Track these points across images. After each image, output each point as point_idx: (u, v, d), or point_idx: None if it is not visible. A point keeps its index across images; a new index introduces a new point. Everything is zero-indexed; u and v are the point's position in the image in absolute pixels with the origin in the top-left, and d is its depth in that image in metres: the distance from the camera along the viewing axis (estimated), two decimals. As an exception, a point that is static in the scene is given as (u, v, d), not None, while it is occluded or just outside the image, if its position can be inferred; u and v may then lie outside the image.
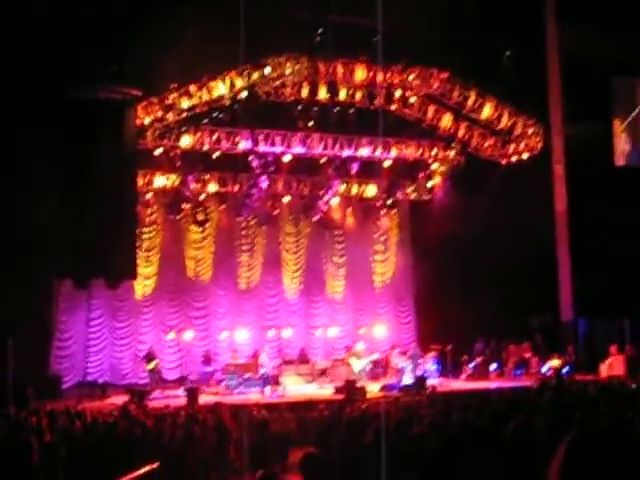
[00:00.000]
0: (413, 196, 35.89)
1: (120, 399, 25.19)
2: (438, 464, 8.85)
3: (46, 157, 23.84)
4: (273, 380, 28.21)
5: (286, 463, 14.25)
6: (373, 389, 27.61)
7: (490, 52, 30.92)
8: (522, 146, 31.95)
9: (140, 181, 29.71)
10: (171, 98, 27.68)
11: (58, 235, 23.93)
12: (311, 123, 30.12)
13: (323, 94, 29.52)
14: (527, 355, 31.74)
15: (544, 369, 29.99)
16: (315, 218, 33.74)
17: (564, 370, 28.83)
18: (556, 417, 9.90)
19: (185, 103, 27.88)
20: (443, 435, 9.77)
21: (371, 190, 34.96)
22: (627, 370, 28.92)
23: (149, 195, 31.51)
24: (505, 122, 31.38)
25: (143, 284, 31.87)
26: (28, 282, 24.92)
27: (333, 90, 29.59)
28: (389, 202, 34.58)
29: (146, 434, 14.00)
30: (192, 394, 24.83)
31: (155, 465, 12.54)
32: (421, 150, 33.16)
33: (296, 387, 28.90)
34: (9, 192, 24.02)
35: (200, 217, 32.58)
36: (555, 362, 29.70)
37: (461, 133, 31.86)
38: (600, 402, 12.69)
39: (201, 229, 32.97)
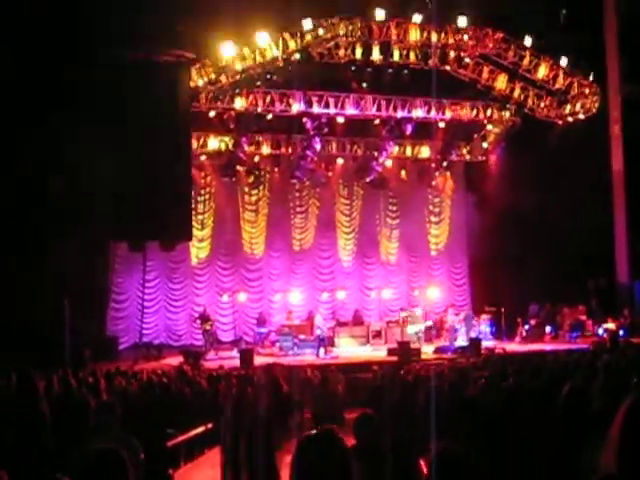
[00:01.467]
0: (468, 157, 35.65)
1: (175, 360, 25.47)
2: (491, 426, 8.84)
3: (104, 120, 23.94)
4: (328, 342, 28.29)
5: (341, 424, 14.29)
6: (427, 351, 27.61)
7: (547, 11, 30.44)
8: (578, 106, 31.49)
9: (194, 143, 29.85)
10: (225, 60, 27.64)
11: (114, 197, 24.11)
12: (365, 84, 29.95)
13: (377, 55, 29.24)
14: (582, 318, 31.50)
15: (600, 332, 29.78)
16: (369, 179, 33.64)
17: (620, 333, 28.58)
18: (612, 380, 9.82)
19: (238, 65, 27.83)
20: (497, 397, 9.76)
21: (425, 151, 34.76)
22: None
23: (203, 157, 31.63)
24: (561, 82, 30.95)
25: (197, 247, 32.11)
26: (85, 244, 25.15)
27: (387, 51, 29.33)
28: (444, 163, 34.37)
29: (201, 394, 14.14)
30: (246, 355, 24.97)
31: (210, 425, 12.70)
32: (476, 111, 32.84)
33: (350, 349, 28.97)
34: (71, 157, 24.16)
35: (252, 179, 32.67)
36: (611, 325, 29.49)
37: (517, 94, 31.44)
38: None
39: (255, 191, 33.08)
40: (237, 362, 24.54)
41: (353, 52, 29.04)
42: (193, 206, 29.78)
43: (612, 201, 32.22)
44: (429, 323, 31.32)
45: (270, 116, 30.30)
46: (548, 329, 31.05)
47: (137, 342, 29.20)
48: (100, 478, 4.06)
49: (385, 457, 7.15)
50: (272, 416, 16.25)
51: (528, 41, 29.52)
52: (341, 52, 28.97)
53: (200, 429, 12.28)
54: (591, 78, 30.99)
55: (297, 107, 30.18)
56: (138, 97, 23.75)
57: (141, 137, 23.84)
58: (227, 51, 27.07)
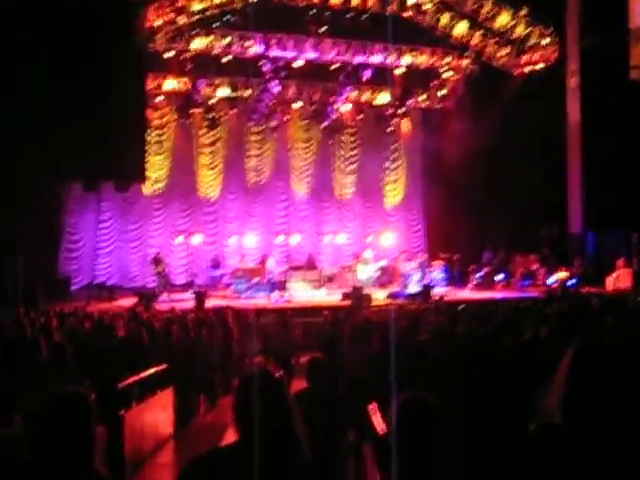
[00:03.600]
0: (425, 104, 35.57)
1: (128, 301, 25.42)
2: (442, 371, 8.93)
3: (54, 58, 23.56)
4: (280, 285, 28.34)
5: (293, 367, 14.39)
6: (379, 296, 27.74)
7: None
8: (536, 56, 31.48)
9: (150, 84, 29.53)
10: (182, 0, 27.29)
11: (68, 137, 23.81)
12: (324, 28, 29.74)
13: (336, -1, 29.02)
14: (534, 266, 31.77)
15: (550, 281, 30.08)
16: (325, 124, 33.57)
17: (570, 282, 28.91)
18: (561, 328, 9.96)
19: (196, 6, 27.50)
20: (448, 343, 9.84)
21: (383, 97, 34.63)
22: (633, 284, 29.00)
23: (160, 98, 31.34)
24: (520, 31, 30.90)
25: (153, 188, 31.88)
26: (38, 185, 24.90)
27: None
28: (401, 110, 34.34)
29: (154, 336, 14.13)
30: (200, 298, 24.97)
31: (163, 366, 12.71)
32: (434, 58, 32.74)
33: (303, 293, 29.03)
34: (18, 95, 23.79)
35: (208, 122, 32.43)
36: (562, 274, 29.78)
37: (475, 41, 31.39)
38: (605, 314, 12.75)
39: (212, 133, 32.87)
40: (190, 305, 24.51)
41: (313, -5, 28.78)
42: (149, 147, 29.53)
43: (567, 152, 32.36)
44: (383, 263, 31.41)
45: (228, 58, 30.04)
46: (500, 277, 31.31)
47: (90, 283, 29.11)
48: (64, 420, 4.03)
49: (337, 400, 7.22)
50: (222, 358, 16.37)
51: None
52: (301, -6, 28.72)
53: (152, 370, 12.27)
54: (550, 29, 30.96)
55: (255, 49, 29.93)
56: (91, 36, 23.35)
57: (94, 77, 23.48)
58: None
